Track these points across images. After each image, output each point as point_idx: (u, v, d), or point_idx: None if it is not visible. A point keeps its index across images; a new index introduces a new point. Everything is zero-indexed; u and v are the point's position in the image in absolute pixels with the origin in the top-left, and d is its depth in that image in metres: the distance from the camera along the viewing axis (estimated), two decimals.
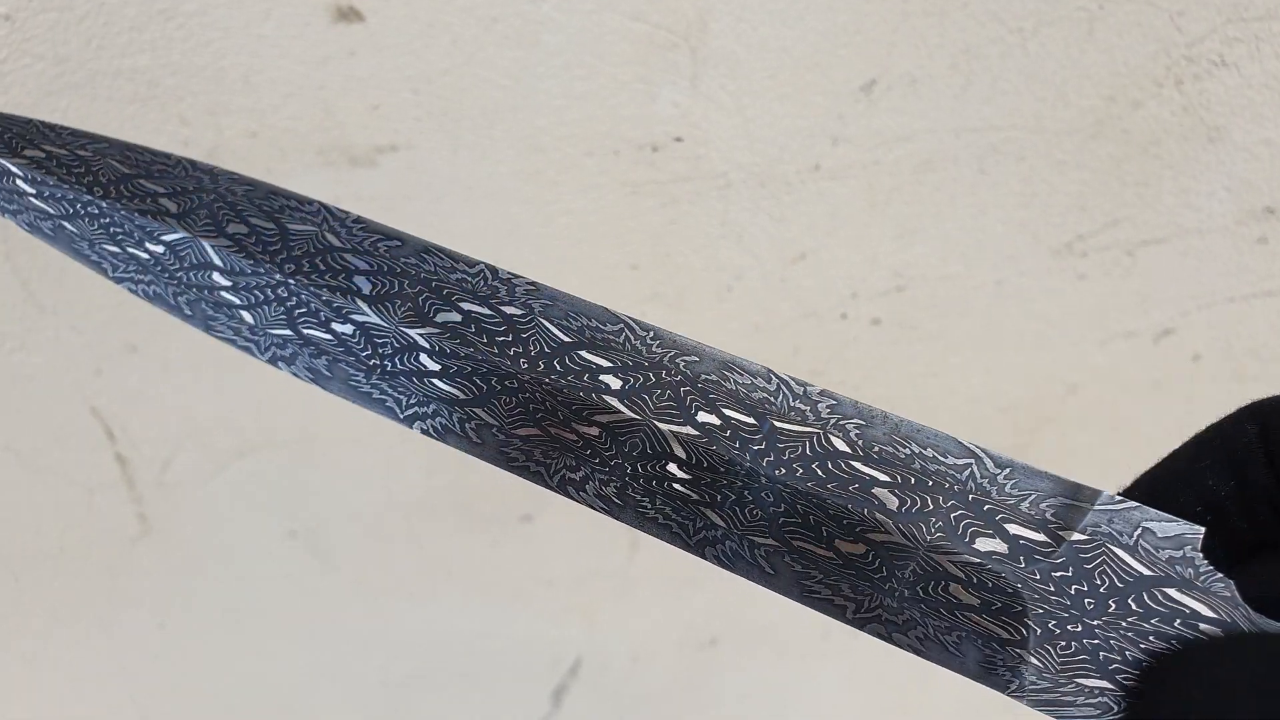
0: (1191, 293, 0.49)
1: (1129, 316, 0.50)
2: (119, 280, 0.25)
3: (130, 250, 0.25)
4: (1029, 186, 0.46)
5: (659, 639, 0.62)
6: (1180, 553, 0.19)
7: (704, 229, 0.45)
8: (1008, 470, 0.21)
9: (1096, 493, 0.20)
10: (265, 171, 0.41)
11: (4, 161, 0.25)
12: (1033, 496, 0.20)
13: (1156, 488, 0.20)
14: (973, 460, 0.21)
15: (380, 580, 0.57)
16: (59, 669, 0.57)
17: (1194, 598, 0.19)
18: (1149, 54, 0.42)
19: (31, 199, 0.25)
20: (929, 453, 0.21)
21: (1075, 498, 0.20)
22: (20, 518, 0.51)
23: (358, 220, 0.24)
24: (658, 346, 0.23)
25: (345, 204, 0.42)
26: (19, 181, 0.25)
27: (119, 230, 0.25)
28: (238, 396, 0.49)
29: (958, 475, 0.21)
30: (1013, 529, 0.20)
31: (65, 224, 0.25)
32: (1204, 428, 0.20)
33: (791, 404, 0.22)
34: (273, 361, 0.24)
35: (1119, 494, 0.20)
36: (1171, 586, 0.19)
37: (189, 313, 0.24)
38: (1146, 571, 0.19)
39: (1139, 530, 0.20)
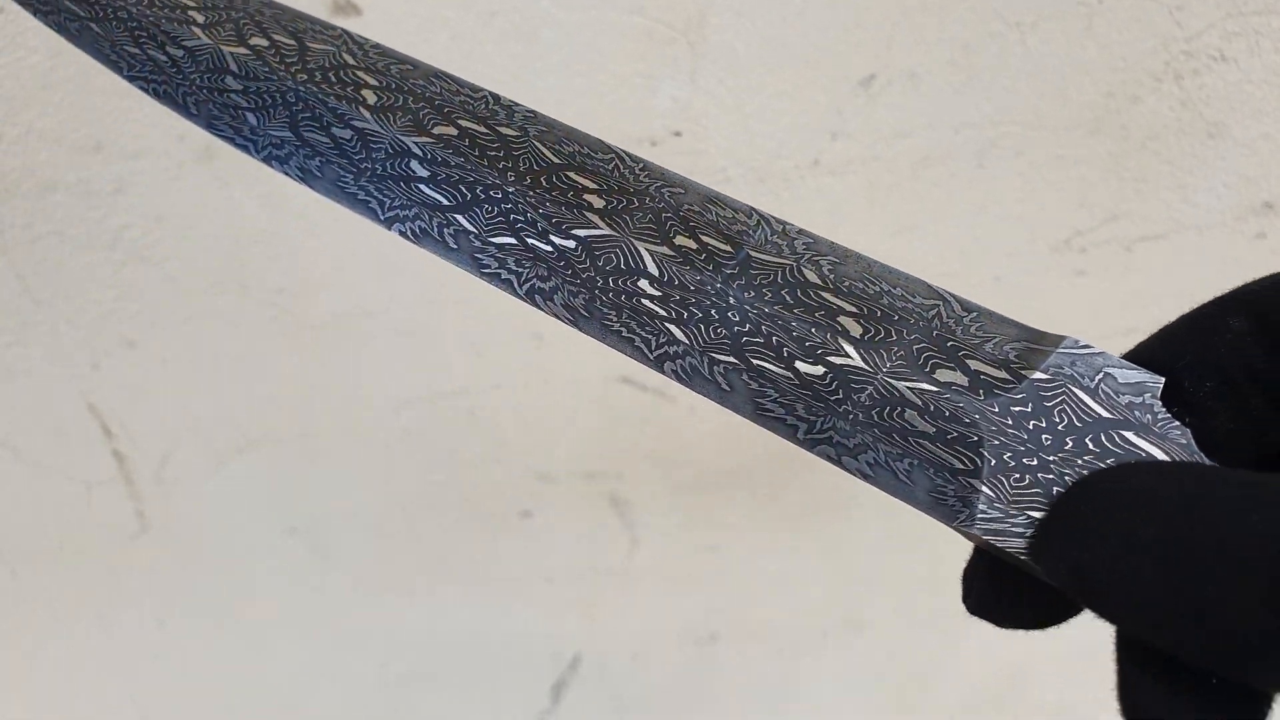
0: (1190, 288, 0.49)
1: (1128, 312, 0.50)
2: (131, 79, 0.26)
3: (150, 53, 0.26)
4: (1028, 182, 0.46)
5: (659, 635, 0.62)
6: (1140, 399, 0.20)
7: None
8: (975, 314, 0.21)
9: (1061, 338, 0.20)
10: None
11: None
12: (997, 339, 0.21)
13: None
14: (940, 302, 0.21)
15: (380, 576, 0.57)
16: (58, 666, 0.57)
17: (1150, 441, 0.19)
18: (1148, 49, 0.42)
19: (65, 1, 0.26)
20: (898, 291, 0.22)
21: (1040, 342, 0.21)
22: (18, 514, 0.51)
23: (376, 46, 0.25)
24: (646, 176, 0.23)
25: None
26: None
27: (143, 34, 0.26)
28: (236, 393, 0.49)
29: (924, 313, 0.21)
30: (974, 365, 0.20)
31: (92, 25, 0.26)
32: (1175, 320, 0.20)
33: (770, 238, 0.22)
34: (267, 160, 0.25)
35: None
36: (1129, 430, 0.19)
37: (194, 111, 0.25)
38: (1105, 414, 0.19)
39: (1101, 374, 0.20)
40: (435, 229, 0.23)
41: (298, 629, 0.58)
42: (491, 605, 0.59)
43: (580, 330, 0.22)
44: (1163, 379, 0.20)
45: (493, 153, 0.23)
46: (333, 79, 0.25)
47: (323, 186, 0.24)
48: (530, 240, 0.23)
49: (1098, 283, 0.49)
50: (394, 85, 0.24)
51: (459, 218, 0.23)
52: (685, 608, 0.61)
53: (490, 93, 0.25)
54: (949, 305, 0.21)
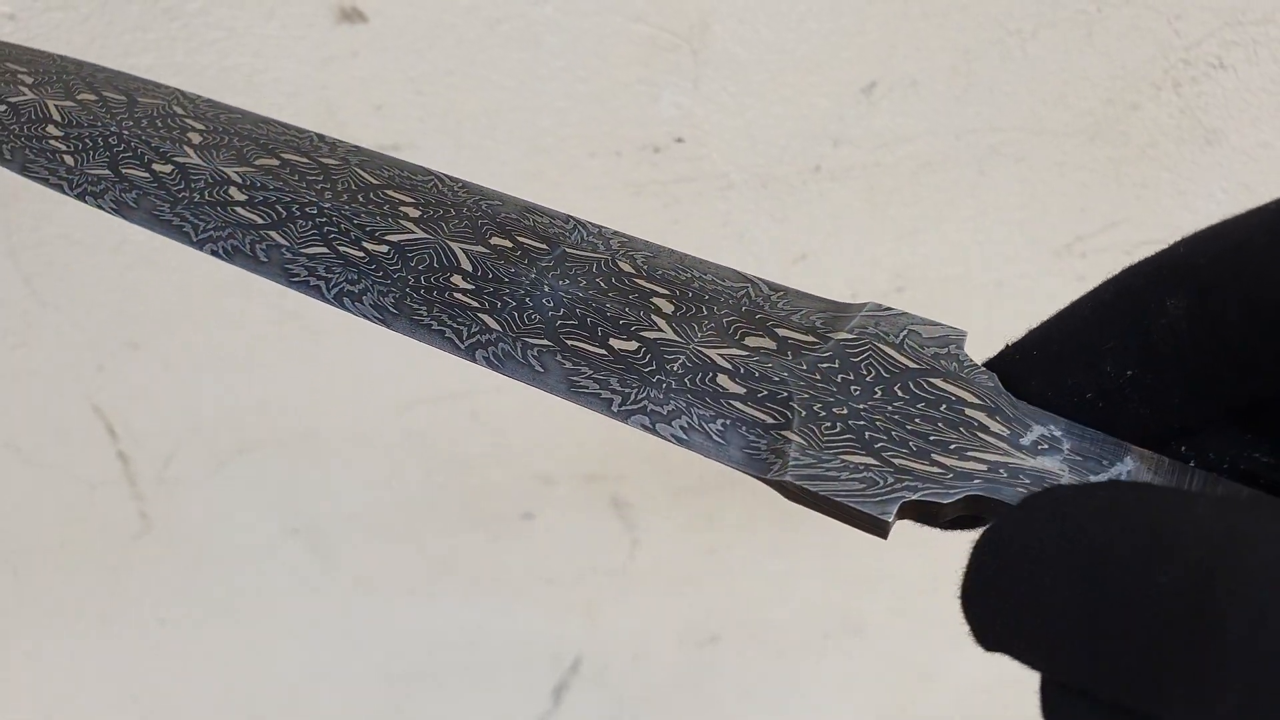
0: None
1: None
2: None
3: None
4: (1028, 188, 0.46)
5: (659, 636, 0.62)
6: (945, 350, 0.20)
7: (706, 229, 0.45)
8: (782, 293, 0.22)
9: (864, 304, 0.21)
10: None
11: None
12: (804, 310, 0.22)
13: (1043, 353, 0.19)
14: (749, 285, 0.22)
15: (381, 578, 0.57)
16: (60, 666, 0.57)
17: (958, 386, 0.20)
18: (1147, 57, 0.42)
19: None
20: (709, 276, 0.22)
21: (844, 311, 0.21)
22: (21, 514, 0.51)
23: (209, 101, 0.26)
24: (464, 192, 0.24)
25: None
26: None
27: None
28: (239, 394, 0.49)
29: (734, 293, 0.22)
30: (781, 331, 0.21)
31: None
32: (1101, 284, 0.19)
33: (586, 238, 0.23)
34: (80, 197, 0.25)
35: (1007, 346, 0.20)
36: (936, 377, 0.20)
37: (8, 157, 0.26)
38: (911, 364, 0.20)
39: (905, 332, 0.21)
40: (247, 245, 0.24)
41: (299, 629, 0.58)
42: (492, 606, 0.59)
43: (390, 329, 0.23)
44: (965, 332, 0.20)
45: (312, 177, 0.24)
46: (159, 124, 0.25)
47: (137, 217, 0.25)
48: (343, 248, 0.23)
49: None
50: (220, 128, 0.25)
51: (272, 234, 0.24)
52: (686, 609, 0.61)
53: (317, 134, 0.25)
54: (757, 286, 0.22)
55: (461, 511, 0.55)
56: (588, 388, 0.22)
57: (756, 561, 0.60)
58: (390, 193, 0.24)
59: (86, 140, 0.25)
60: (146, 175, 0.25)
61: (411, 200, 0.24)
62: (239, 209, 0.24)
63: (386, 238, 0.23)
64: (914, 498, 0.19)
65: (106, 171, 0.25)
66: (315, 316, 0.47)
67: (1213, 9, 0.41)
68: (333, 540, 0.55)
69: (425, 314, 0.22)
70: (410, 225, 0.23)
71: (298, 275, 0.23)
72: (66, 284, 0.43)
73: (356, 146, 0.25)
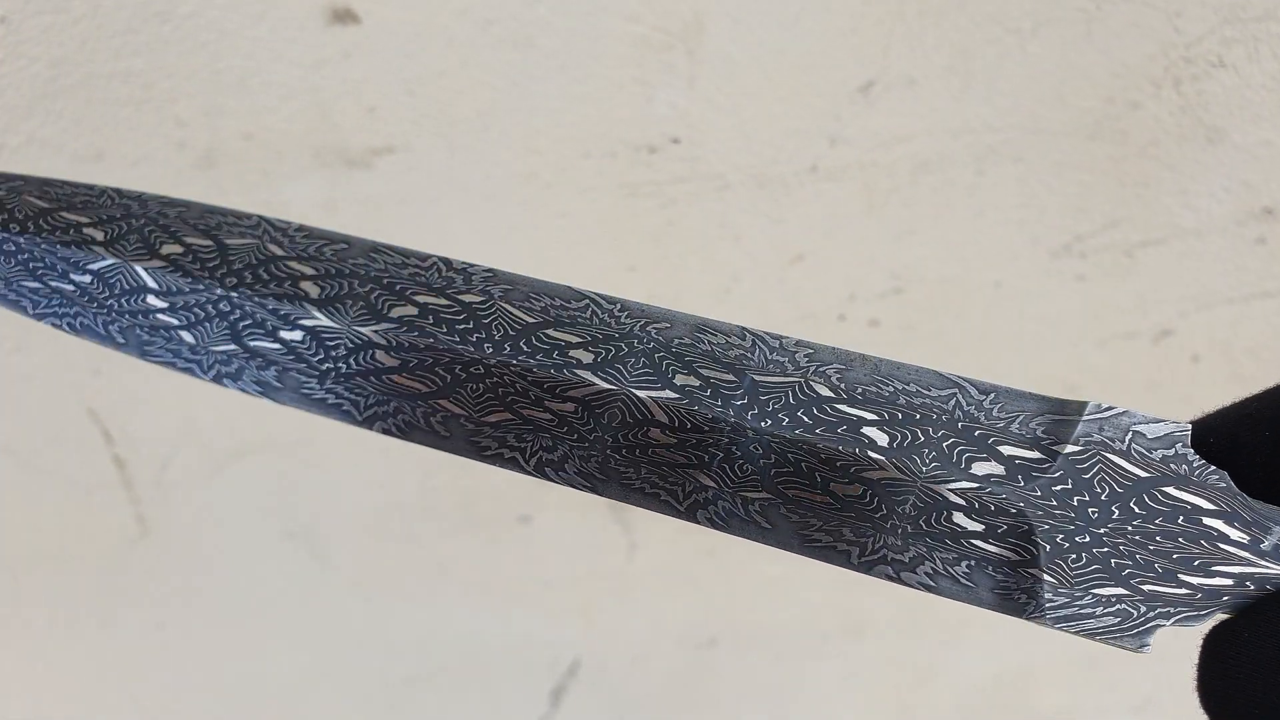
0: (1190, 294, 0.49)
1: (1128, 317, 0.50)
2: (40, 316, 0.24)
3: (53, 284, 0.24)
4: (1027, 188, 0.45)
5: (658, 639, 0.62)
6: (1172, 451, 0.20)
7: (701, 231, 0.45)
8: (992, 395, 0.21)
9: (1083, 404, 0.20)
10: (262, 174, 0.41)
11: None
12: (1021, 417, 0.21)
13: (1257, 439, 0.20)
14: (956, 390, 0.21)
15: (378, 581, 0.57)
16: (59, 669, 0.57)
17: (1192, 492, 0.19)
18: (1147, 55, 0.42)
19: None
20: (912, 388, 0.21)
21: (1062, 412, 0.21)
22: (19, 519, 0.51)
23: (300, 229, 0.24)
24: (626, 317, 0.22)
25: (342, 206, 0.42)
26: None
27: (39, 265, 0.24)
28: (235, 398, 0.49)
29: (944, 405, 0.21)
30: (1006, 450, 0.20)
31: None
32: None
33: (769, 357, 0.22)
34: (217, 380, 0.23)
35: (1191, 422, 0.20)
36: (1169, 485, 0.19)
37: (122, 340, 0.24)
38: (1143, 473, 0.20)
39: (1129, 434, 0.20)
40: (420, 419, 0.22)
41: (297, 633, 0.58)
42: (490, 610, 0.59)
43: (601, 495, 0.21)
44: (1189, 426, 0.20)
45: (461, 326, 0.22)
46: (264, 276, 0.23)
47: (287, 397, 0.23)
48: (526, 411, 0.21)
49: (1098, 288, 0.49)
50: (334, 270, 0.23)
51: (443, 402, 0.22)
52: (684, 612, 0.61)
53: (440, 258, 0.23)
54: (965, 391, 0.21)
55: (458, 514, 0.55)
56: (821, 540, 0.21)
57: (755, 564, 0.59)
58: (552, 333, 0.22)
59: (195, 310, 0.23)
60: (277, 346, 0.22)
61: (579, 340, 0.22)
62: (395, 377, 0.22)
63: (569, 394, 0.21)
64: (1169, 624, 0.19)
65: (232, 346, 0.23)
66: None
67: (1213, 6, 0.41)
68: (330, 543, 0.55)
69: (635, 477, 0.21)
70: (588, 375, 0.21)
71: (488, 448, 0.22)
72: None
73: (490, 270, 0.23)
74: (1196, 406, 0.58)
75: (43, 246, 0.23)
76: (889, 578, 0.20)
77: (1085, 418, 0.20)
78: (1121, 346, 0.51)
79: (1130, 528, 0.19)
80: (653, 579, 0.59)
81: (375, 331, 0.22)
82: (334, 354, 0.22)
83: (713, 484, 0.21)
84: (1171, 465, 0.19)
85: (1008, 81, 0.43)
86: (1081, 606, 0.19)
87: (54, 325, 0.24)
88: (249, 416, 0.50)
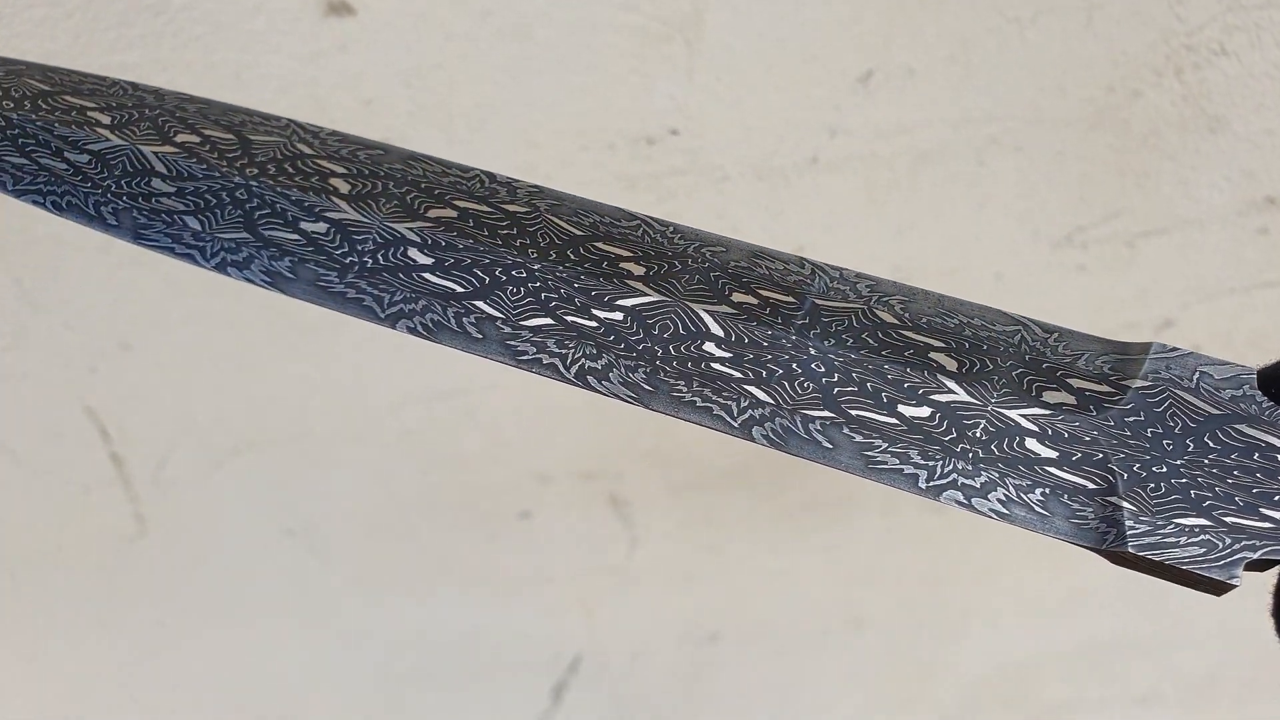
0: (1192, 284, 0.49)
1: (1129, 308, 0.50)
2: (19, 193, 0.23)
3: (43, 161, 0.22)
4: (1028, 178, 0.45)
5: (659, 635, 0.62)
6: (1240, 391, 0.20)
7: (701, 223, 0.45)
8: (1056, 334, 0.21)
9: (1147, 345, 0.20)
10: None
11: None
12: (1086, 354, 0.21)
13: None
14: (1020, 327, 0.21)
15: (378, 577, 0.57)
16: (58, 667, 0.57)
17: (1265, 431, 0.19)
18: (1148, 43, 0.42)
19: None
20: (976, 321, 0.21)
21: (1127, 352, 0.21)
22: (16, 517, 0.51)
23: (333, 133, 0.23)
24: (680, 239, 0.22)
25: None
26: None
27: (29, 141, 0.22)
28: (233, 394, 0.49)
29: (1010, 340, 0.21)
30: (1075, 383, 0.20)
31: None
32: None
33: (830, 284, 0.21)
34: (220, 268, 0.22)
35: (1260, 369, 0.20)
36: (1241, 423, 0.19)
37: (114, 222, 0.22)
38: (1214, 410, 0.20)
39: (1196, 374, 0.20)
40: (452, 319, 0.21)
41: (297, 630, 0.58)
42: (491, 606, 0.59)
43: (649, 408, 0.21)
44: (1254, 370, 0.20)
45: (505, 231, 0.21)
46: (290, 170, 0.22)
47: (300, 289, 0.21)
48: (570, 318, 0.21)
49: (1099, 279, 0.49)
50: (367, 171, 0.22)
51: (479, 304, 0.21)
52: (685, 607, 0.61)
53: (483, 170, 0.22)
54: (1029, 329, 0.21)
55: (458, 511, 0.55)
56: (886, 463, 0.20)
57: (756, 558, 0.59)
58: (602, 245, 0.21)
59: (208, 196, 0.21)
60: (296, 237, 0.21)
61: (629, 254, 0.21)
62: (428, 275, 0.21)
63: (618, 303, 0.21)
64: (1255, 556, 0.19)
65: (244, 234, 0.21)
66: (307, 315, 0.46)
67: None
68: (329, 540, 0.55)
69: (685, 389, 0.21)
70: (639, 285, 0.21)
71: (525, 353, 0.21)
72: (57, 285, 0.43)
73: (536, 186, 0.22)
74: None
75: (37, 124, 0.22)
76: (959, 504, 0.20)
77: (1152, 356, 0.20)
78: (1123, 337, 0.51)
79: (1206, 460, 0.19)
80: (654, 574, 0.59)
81: (409, 229, 0.21)
82: (360, 248, 0.21)
83: (770, 400, 0.20)
84: (1241, 405, 0.19)
85: (1008, 71, 0.42)
86: (1165, 535, 0.19)
87: (35, 203, 0.23)
88: (247, 413, 0.49)
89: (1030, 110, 0.43)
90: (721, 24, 0.40)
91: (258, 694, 0.60)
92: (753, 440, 0.21)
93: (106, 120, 0.23)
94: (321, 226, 0.21)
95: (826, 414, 0.20)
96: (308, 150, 0.22)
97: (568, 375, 0.21)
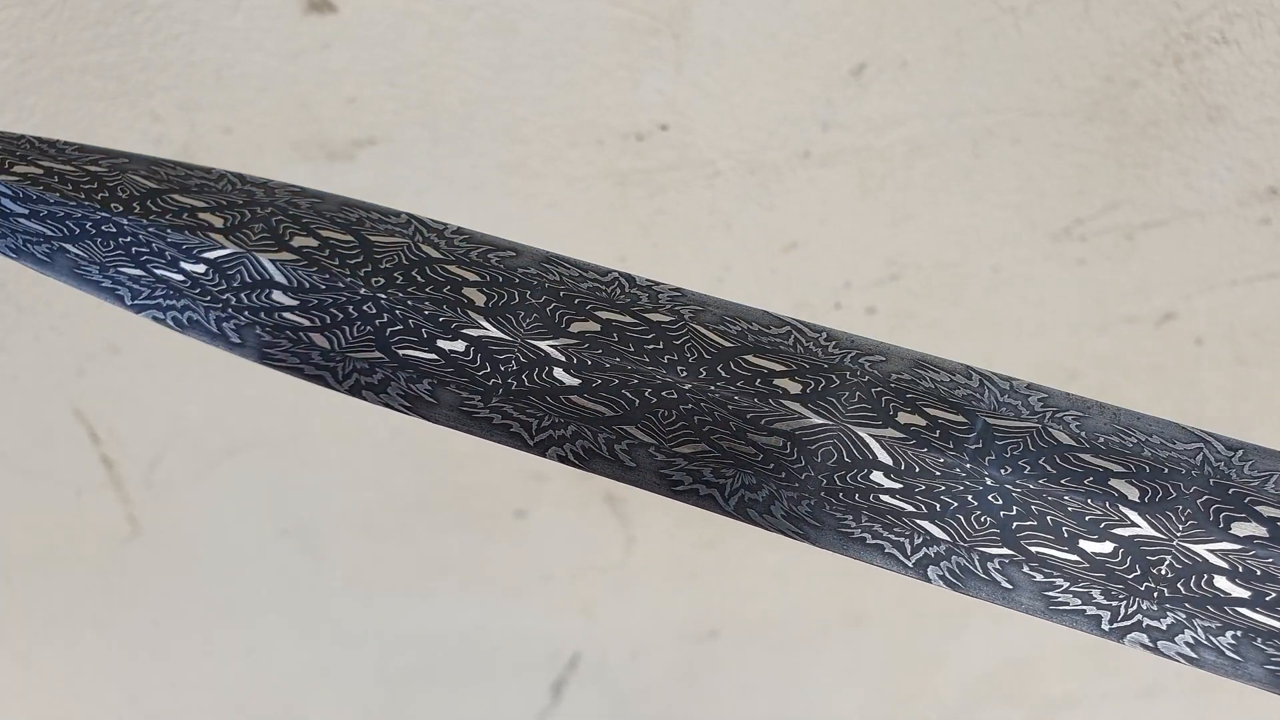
0: (1193, 276, 0.48)
1: (1130, 301, 0.49)
2: (139, 308, 0.22)
3: (159, 272, 0.21)
4: (1025, 170, 0.45)
5: (658, 632, 0.62)
6: None
7: (692, 219, 0.45)
8: (1240, 452, 0.19)
9: None
10: (241, 168, 0.40)
11: None
12: (1275, 476, 0.19)
13: None
14: (1202, 444, 0.19)
15: (375, 577, 0.57)
16: (54, 669, 0.57)
17: None
18: (1147, 32, 0.41)
19: (22, 220, 0.22)
20: (1155, 439, 0.19)
21: None
22: (8, 520, 0.51)
23: (458, 230, 0.21)
24: (834, 347, 0.20)
25: None
26: (4, 201, 0.22)
27: (143, 250, 0.21)
28: (225, 395, 0.48)
29: (1191, 460, 0.19)
30: (1266, 510, 0.19)
31: (68, 247, 0.22)
32: None
33: (1000, 399, 0.20)
34: (355, 391, 0.21)
35: None
36: None
37: (237, 340, 0.21)
38: None
39: None
40: (603, 446, 0.20)
41: (293, 630, 0.58)
42: (488, 604, 0.59)
43: (813, 544, 0.19)
44: None
45: (651, 346, 0.20)
46: (419, 278, 0.20)
47: (441, 414, 0.20)
48: (725, 444, 0.20)
49: (1098, 271, 0.48)
50: (501, 278, 0.20)
51: (630, 429, 0.20)
52: (684, 604, 0.61)
53: (621, 273, 0.21)
54: (1211, 446, 0.19)
55: (454, 510, 0.55)
56: (1067, 604, 0.19)
57: (754, 555, 0.59)
58: (753, 359, 0.20)
59: (334, 310, 0.20)
60: (434, 356, 0.20)
61: (783, 368, 0.20)
62: (576, 397, 0.20)
63: (777, 427, 0.19)
64: None
65: (378, 354, 0.20)
66: None
67: None
68: (325, 541, 0.55)
69: (854, 524, 0.19)
70: (798, 407, 0.19)
71: (681, 483, 0.20)
72: (42, 288, 0.43)
73: (677, 290, 0.21)
74: (1200, 390, 0.57)
75: (149, 229, 0.21)
76: (1144, 646, 0.19)
77: None
78: (1123, 330, 0.50)
79: None
80: (652, 571, 0.59)
81: (553, 346, 0.20)
82: (503, 369, 0.20)
83: (945, 536, 0.19)
84: None
85: (1003, 62, 0.42)
86: None
87: (155, 319, 0.22)
88: (239, 413, 0.49)
89: (1027, 101, 0.43)
90: (709, 17, 0.39)
91: (254, 695, 0.60)
92: (927, 581, 0.19)
93: (219, 223, 0.21)
94: (460, 345, 0.20)
95: (1005, 551, 0.19)
96: (435, 254, 0.21)
97: (726, 507, 0.20)
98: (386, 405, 0.21)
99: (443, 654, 0.61)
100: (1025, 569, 0.19)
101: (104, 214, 0.21)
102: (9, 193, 0.22)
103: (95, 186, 0.22)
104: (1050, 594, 0.19)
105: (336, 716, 0.62)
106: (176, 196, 0.22)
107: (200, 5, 0.36)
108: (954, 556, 0.19)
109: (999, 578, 0.19)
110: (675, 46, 0.40)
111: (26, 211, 0.22)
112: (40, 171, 0.22)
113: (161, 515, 0.52)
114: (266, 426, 0.50)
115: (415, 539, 0.55)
